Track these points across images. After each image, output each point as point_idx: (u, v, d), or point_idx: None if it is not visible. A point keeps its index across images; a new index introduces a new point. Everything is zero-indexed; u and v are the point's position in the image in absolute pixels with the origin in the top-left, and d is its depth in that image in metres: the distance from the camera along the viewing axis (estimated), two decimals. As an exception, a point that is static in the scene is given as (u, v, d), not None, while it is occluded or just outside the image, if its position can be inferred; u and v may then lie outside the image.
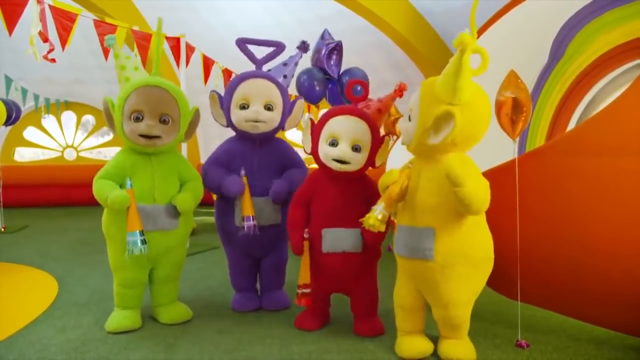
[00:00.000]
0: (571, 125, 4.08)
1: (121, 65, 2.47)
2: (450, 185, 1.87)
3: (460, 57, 1.77)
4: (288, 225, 2.49)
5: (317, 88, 3.87)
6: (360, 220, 2.04)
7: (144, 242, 2.30)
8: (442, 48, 6.27)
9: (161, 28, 2.64)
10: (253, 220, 2.56)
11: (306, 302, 2.35)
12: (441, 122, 1.91)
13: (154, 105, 2.37)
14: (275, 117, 2.69)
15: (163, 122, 2.41)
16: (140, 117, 2.36)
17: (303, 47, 3.07)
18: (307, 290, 2.33)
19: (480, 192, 1.90)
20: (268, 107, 2.66)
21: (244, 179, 2.63)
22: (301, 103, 2.84)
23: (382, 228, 2.01)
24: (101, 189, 2.36)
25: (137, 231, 2.30)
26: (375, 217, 1.98)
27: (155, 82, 2.40)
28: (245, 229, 2.55)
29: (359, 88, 2.54)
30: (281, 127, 2.78)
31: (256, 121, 2.63)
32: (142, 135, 2.38)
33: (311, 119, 2.47)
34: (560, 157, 2.18)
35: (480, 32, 4.04)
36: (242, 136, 2.75)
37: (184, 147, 4.59)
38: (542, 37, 3.77)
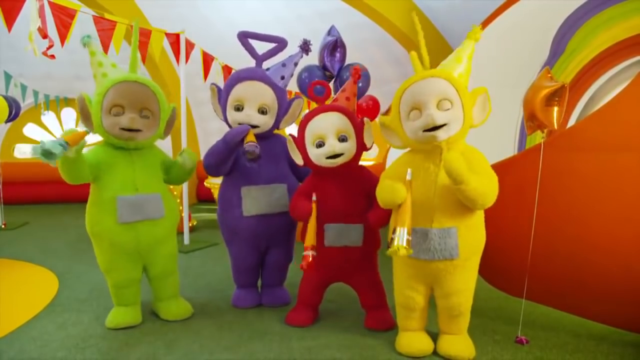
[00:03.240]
0: (571, 121, 4.07)
1: (98, 62, 2.43)
2: (452, 183, 1.89)
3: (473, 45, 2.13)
4: (294, 207, 2.44)
5: (318, 85, 3.87)
6: (388, 253, 1.92)
7: (61, 144, 2.03)
8: (442, 44, 6.26)
9: (137, 30, 2.60)
10: (313, 250, 2.31)
11: (309, 266, 2.21)
12: (485, 103, 2.06)
13: (134, 100, 2.35)
14: (268, 120, 2.67)
15: (144, 116, 2.40)
16: (121, 111, 2.34)
17: (305, 47, 3.01)
18: (313, 253, 2.23)
19: (484, 187, 1.92)
20: (262, 111, 2.64)
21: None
22: (299, 102, 2.79)
23: (411, 251, 1.92)
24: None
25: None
26: (402, 246, 1.88)
27: (135, 78, 2.38)
28: (246, 147, 2.45)
29: (320, 88, 2.57)
30: (276, 127, 2.76)
31: (248, 125, 2.61)
32: (123, 129, 2.35)
33: (291, 135, 2.47)
34: (560, 154, 2.18)
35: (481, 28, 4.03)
36: None
37: (184, 144, 4.58)
38: (543, 33, 3.75)
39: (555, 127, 2.18)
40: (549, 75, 2.22)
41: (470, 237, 2.04)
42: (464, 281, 2.11)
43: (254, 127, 2.62)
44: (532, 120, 2.21)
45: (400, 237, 1.89)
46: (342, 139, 2.34)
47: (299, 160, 2.47)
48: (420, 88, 2.01)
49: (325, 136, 2.33)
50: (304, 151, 2.41)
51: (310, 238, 2.27)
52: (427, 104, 1.98)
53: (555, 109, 2.15)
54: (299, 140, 2.44)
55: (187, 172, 2.67)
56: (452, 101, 1.99)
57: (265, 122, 2.66)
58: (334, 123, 2.34)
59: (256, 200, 2.65)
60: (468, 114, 2.03)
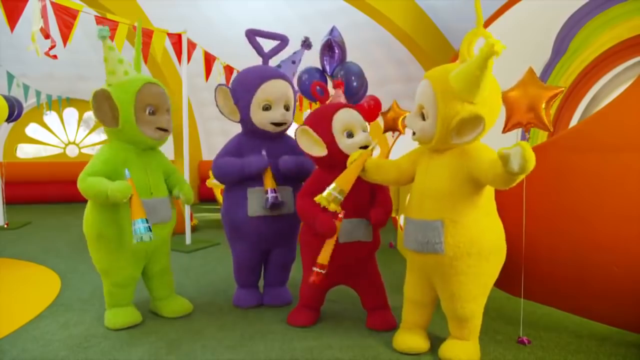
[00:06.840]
0: (574, 121, 4.06)
1: (119, 59, 2.44)
2: (511, 172, 1.66)
3: (487, 58, 1.66)
4: (304, 213, 2.42)
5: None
6: (316, 199, 2.16)
7: (149, 229, 2.25)
8: (444, 44, 6.26)
9: (141, 30, 2.73)
10: (276, 192, 2.62)
11: (318, 280, 2.24)
12: (467, 124, 1.85)
13: (162, 101, 2.50)
14: (291, 116, 2.80)
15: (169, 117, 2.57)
16: (154, 111, 2.45)
17: (306, 44, 3.08)
18: (323, 271, 2.24)
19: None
20: (287, 108, 2.75)
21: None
22: (296, 95, 2.93)
23: (332, 207, 2.14)
24: (95, 184, 2.27)
25: (144, 218, 2.25)
26: (325, 195, 2.13)
27: (156, 81, 2.54)
28: (270, 199, 2.59)
29: (319, 89, 2.72)
30: (291, 123, 2.86)
31: (282, 123, 2.71)
32: (159, 128, 2.47)
33: (308, 126, 2.43)
34: (563, 154, 2.18)
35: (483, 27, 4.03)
36: (253, 132, 2.75)
37: (186, 144, 4.60)
38: (545, 33, 3.75)
39: (551, 129, 2.21)
40: (536, 76, 2.22)
41: (460, 235, 1.93)
42: (463, 285, 2.00)
43: (281, 124, 2.71)
44: (514, 119, 2.22)
45: (328, 189, 2.15)
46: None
47: (320, 151, 2.40)
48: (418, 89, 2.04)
49: (354, 128, 2.39)
50: (331, 139, 2.37)
51: (324, 257, 2.24)
52: (414, 109, 2.05)
53: (544, 110, 2.16)
54: (324, 129, 2.38)
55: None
56: (428, 112, 1.96)
57: (290, 118, 2.78)
58: (359, 119, 2.43)
59: (261, 202, 2.66)
60: (444, 125, 1.89)
